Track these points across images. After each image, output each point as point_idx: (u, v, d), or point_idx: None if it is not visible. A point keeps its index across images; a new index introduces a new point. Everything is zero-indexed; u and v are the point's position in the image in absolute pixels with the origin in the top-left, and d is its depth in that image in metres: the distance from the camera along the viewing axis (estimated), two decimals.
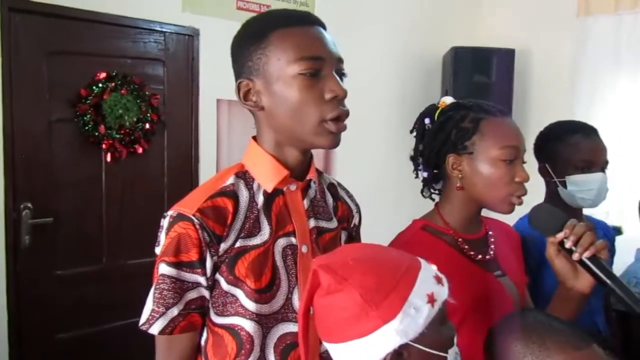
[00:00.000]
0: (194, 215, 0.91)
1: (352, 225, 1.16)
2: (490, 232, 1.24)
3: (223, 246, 0.93)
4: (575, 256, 1.01)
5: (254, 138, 1.04)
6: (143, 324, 0.92)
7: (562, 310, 1.12)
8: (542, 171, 1.60)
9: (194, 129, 2.90)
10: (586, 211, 1.63)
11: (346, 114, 0.95)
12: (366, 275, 0.77)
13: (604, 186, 1.52)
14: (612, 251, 1.68)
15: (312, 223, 1.03)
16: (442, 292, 0.79)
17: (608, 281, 0.98)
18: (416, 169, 1.25)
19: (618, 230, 2.51)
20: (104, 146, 2.59)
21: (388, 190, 3.52)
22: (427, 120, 1.21)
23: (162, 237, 0.93)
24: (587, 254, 1.00)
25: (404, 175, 3.17)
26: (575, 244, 1.01)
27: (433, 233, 1.17)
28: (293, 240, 1.00)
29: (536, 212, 1.10)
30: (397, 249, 1.09)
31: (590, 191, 1.50)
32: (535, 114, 3.65)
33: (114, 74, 2.59)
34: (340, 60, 0.97)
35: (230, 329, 0.95)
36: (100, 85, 2.55)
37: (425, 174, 1.23)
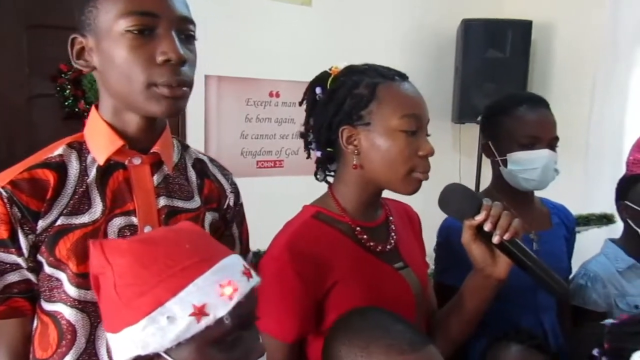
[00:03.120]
0: (3, 188, 0.82)
1: (224, 207, 1.03)
2: (391, 218, 1.09)
3: (41, 224, 0.83)
4: (496, 239, 0.90)
5: (96, 105, 0.93)
6: None
7: (476, 300, 1.02)
8: (485, 149, 1.41)
9: None
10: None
11: (179, 82, 0.83)
12: (132, 264, 0.65)
13: (550, 165, 1.32)
14: (570, 240, 1.48)
15: (162, 202, 0.92)
16: (223, 308, 0.65)
17: (529, 263, 0.91)
18: (307, 148, 1.09)
19: (609, 219, 2.26)
20: (84, 122, 2.55)
21: None
22: (318, 90, 1.06)
23: None
24: (507, 236, 0.90)
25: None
26: (495, 225, 0.90)
27: (326, 221, 1.02)
28: (134, 219, 0.89)
29: (447, 194, 0.96)
30: (281, 241, 0.99)
31: (534, 170, 1.31)
32: (554, 95, 3.31)
33: None
34: (184, 20, 0.85)
35: (54, 317, 0.85)
36: None
37: (318, 153, 1.08)
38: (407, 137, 0.96)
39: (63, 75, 2.49)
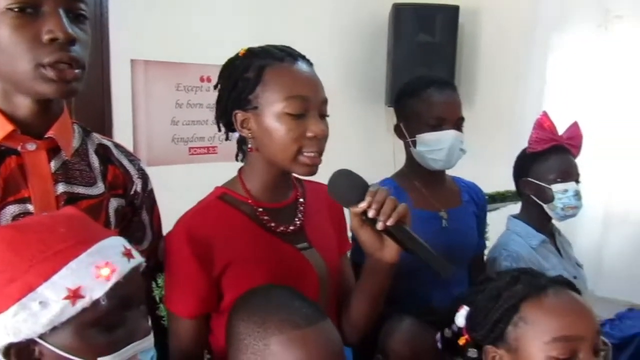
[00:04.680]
0: None
1: (131, 193, 1.02)
2: (302, 200, 1.10)
3: None
4: (380, 225, 0.90)
5: None
6: None
7: (372, 282, 1.04)
8: (397, 131, 1.46)
9: (106, 93, 2.69)
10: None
11: (69, 62, 0.80)
12: (3, 250, 0.64)
13: (456, 145, 1.38)
14: (480, 216, 1.55)
15: (60, 188, 0.89)
16: (99, 290, 0.65)
17: (414, 248, 0.91)
18: (226, 130, 1.08)
19: (503, 196, 2.38)
20: None
21: (336, 160, 3.34)
22: (227, 72, 1.05)
23: None
24: (390, 222, 0.90)
25: (351, 143, 3.04)
26: (378, 212, 0.90)
27: (230, 202, 1.04)
28: (29, 207, 0.86)
29: (335, 180, 0.97)
30: (181, 221, 1.00)
31: (441, 151, 1.37)
32: (482, 78, 3.45)
33: None
34: None
35: None
36: None
37: (237, 135, 1.07)
38: (293, 119, 0.95)
39: None
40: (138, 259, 0.74)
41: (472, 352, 0.92)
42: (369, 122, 3.34)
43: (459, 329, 0.95)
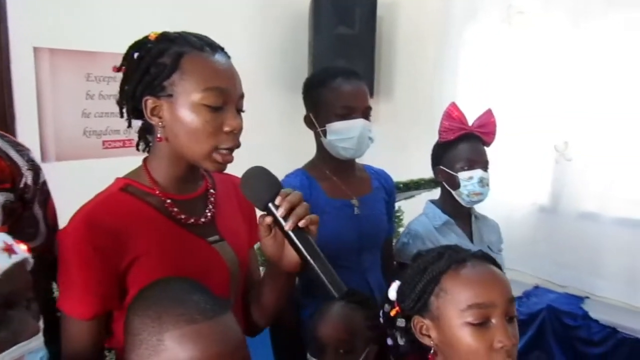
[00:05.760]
0: None
1: (21, 186, 0.96)
2: (212, 191, 1.07)
3: None
4: (288, 225, 0.88)
5: None
6: None
7: (274, 286, 1.04)
8: (307, 121, 1.47)
9: (5, 82, 2.49)
10: None
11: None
12: None
13: (365, 133, 1.40)
14: (389, 202, 1.61)
15: None
16: None
17: (311, 261, 0.87)
18: (127, 117, 1.02)
19: (436, 183, 2.50)
20: None
21: (258, 151, 3.30)
22: (136, 55, 0.99)
23: None
24: (302, 223, 0.88)
25: (273, 134, 3.02)
26: (289, 212, 0.88)
27: (135, 194, 0.98)
28: None
29: (247, 177, 0.94)
30: (80, 213, 0.93)
31: (351, 139, 1.39)
32: (400, 69, 3.55)
33: None
34: None
35: None
36: None
37: (139, 123, 1.02)
38: (210, 111, 0.92)
39: None
40: (21, 254, 0.69)
41: (400, 322, 0.97)
42: (293, 114, 3.34)
43: (391, 301, 0.99)
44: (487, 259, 0.96)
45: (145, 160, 1.03)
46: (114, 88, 3.03)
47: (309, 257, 0.88)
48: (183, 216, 0.99)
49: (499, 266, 0.96)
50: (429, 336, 0.92)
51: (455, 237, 1.59)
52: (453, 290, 0.89)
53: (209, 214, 1.03)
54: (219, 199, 1.07)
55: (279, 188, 0.92)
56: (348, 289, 0.87)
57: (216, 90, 0.92)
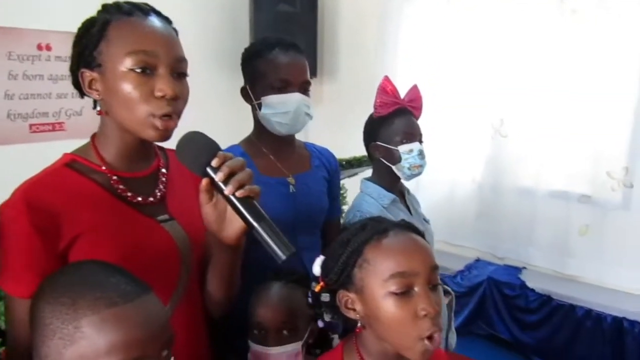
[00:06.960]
0: None
1: None
2: (164, 170, 1.03)
3: None
4: (227, 190, 0.83)
5: None
6: None
7: (219, 262, 1.00)
8: (244, 94, 1.41)
9: None
10: None
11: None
12: None
13: (301, 108, 1.35)
14: (332, 181, 1.57)
15: None
16: None
17: (255, 223, 0.83)
18: (80, 93, 0.96)
19: (359, 161, 2.52)
20: None
21: (197, 129, 3.20)
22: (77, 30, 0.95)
23: None
24: (240, 193, 0.83)
25: (213, 112, 2.92)
26: (228, 177, 0.83)
27: (80, 170, 0.94)
28: None
29: (182, 144, 0.87)
30: (20, 189, 0.88)
31: (286, 114, 1.34)
32: (343, 47, 3.53)
33: None
34: None
35: None
36: None
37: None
38: (137, 76, 0.87)
39: None
40: None
41: (325, 297, 0.95)
42: (230, 91, 3.27)
43: (316, 277, 0.97)
44: (410, 228, 0.95)
45: (93, 136, 0.98)
46: (40, 67, 2.87)
47: (252, 220, 0.83)
48: (130, 194, 0.95)
49: (422, 235, 0.95)
50: (354, 309, 0.90)
51: (403, 215, 1.59)
52: (375, 260, 0.88)
53: (158, 194, 0.99)
54: (171, 178, 1.03)
55: (217, 150, 0.86)
56: (294, 250, 0.83)
57: (141, 54, 0.87)
